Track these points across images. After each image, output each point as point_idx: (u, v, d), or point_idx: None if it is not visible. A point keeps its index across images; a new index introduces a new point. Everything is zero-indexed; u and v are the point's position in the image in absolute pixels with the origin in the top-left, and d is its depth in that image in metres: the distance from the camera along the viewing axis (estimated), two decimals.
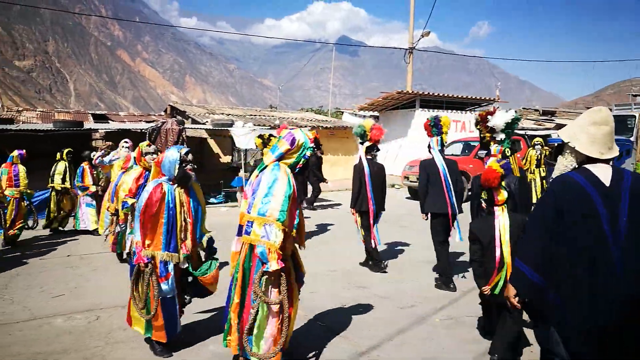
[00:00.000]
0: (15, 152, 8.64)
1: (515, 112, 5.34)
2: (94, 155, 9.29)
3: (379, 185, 6.85)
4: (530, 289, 2.54)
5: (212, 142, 17.93)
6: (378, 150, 7.01)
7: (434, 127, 6.10)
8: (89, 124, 15.32)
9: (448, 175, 5.98)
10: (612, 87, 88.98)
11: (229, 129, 14.61)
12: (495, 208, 3.86)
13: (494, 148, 5.18)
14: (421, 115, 18.74)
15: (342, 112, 25.01)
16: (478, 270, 3.99)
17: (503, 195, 3.84)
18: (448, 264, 6.11)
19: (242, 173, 13.96)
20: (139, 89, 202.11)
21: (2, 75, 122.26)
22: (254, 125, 15.38)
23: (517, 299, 2.62)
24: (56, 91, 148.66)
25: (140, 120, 17.83)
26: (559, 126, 21.35)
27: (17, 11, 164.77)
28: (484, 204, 4.02)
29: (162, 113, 21.58)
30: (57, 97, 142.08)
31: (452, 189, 5.96)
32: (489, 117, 5.33)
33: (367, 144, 6.92)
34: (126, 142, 8.04)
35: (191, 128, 15.05)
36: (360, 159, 6.95)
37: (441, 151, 6.15)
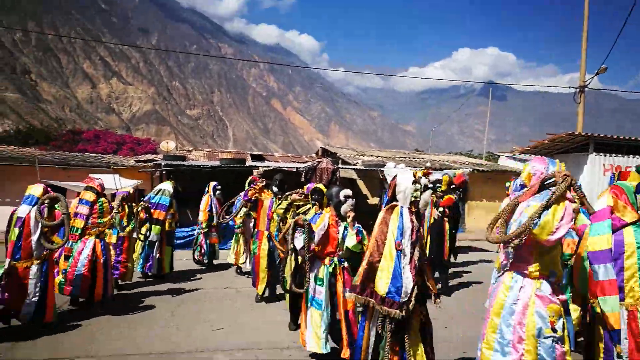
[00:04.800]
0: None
1: None
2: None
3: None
4: None
5: (361, 183, 17.77)
6: None
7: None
8: (249, 162, 16.13)
9: None
10: None
11: (380, 169, 14.24)
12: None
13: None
14: (595, 160, 16.50)
15: (498, 156, 23.37)
16: None
17: None
18: None
19: None
20: (289, 135, 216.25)
21: (176, 123, 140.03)
22: (406, 166, 14.82)
23: None
24: (217, 137, 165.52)
25: (293, 161, 18.37)
26: None
27: (191, 67, 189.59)
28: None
29: (314, 155, 22.14)
30: (218, 141, 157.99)
31: None
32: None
33: None
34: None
35: (344, 168, 14.99)
36: None
37: None
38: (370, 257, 3.53)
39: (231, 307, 6.78)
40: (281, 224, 5.88)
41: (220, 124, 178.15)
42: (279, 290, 7.01)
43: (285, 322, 5.71)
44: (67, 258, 6.44)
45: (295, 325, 5.55)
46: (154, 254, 8.34)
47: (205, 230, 9.63)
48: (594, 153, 16.69)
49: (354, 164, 16.07)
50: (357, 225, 4.93)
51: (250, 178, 7.70)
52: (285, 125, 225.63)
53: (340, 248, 4.75)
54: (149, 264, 8.36)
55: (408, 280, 3.35)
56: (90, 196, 6.64)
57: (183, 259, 10.07)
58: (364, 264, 3.55)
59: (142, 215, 7.64)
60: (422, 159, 19.81)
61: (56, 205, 5.56)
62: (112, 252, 7.26)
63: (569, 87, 17.80)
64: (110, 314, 6.15)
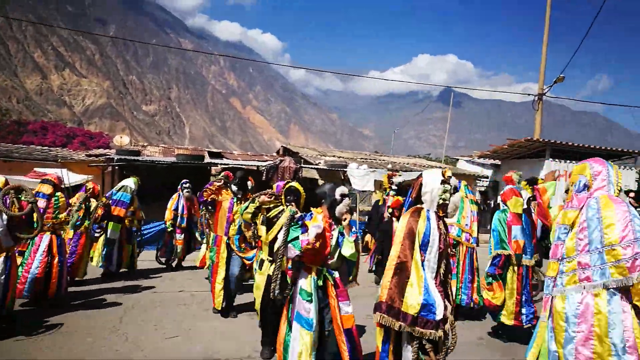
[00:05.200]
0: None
1: None
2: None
3: None
4: None
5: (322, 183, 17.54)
6: None
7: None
8: (207, 159, 15.58)
9: None
10: None
11: (344, 169, 14.07)
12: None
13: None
14: (551, 166, 16.87)
15: (456, 160, 23.68)
16: None
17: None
18: None
19: (355, 216, 13.22)
20: (248, 134, 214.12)
21: (131, 118, 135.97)
22: (369, 167, 14.68)
23: None
24: (173, 134, 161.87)
25: (253, 159, 17.92)
26: None
27: (149, 62, 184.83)
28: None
29: (274, 154, 21.74)
30: (174, 139, 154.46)
31: None
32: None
33: None
34: None
35: (307, 167, 14.68)
36: None
37: None
38: (398, 268, 3.05)
39: (186, 313, 6.33)
40: (250, 228, 4.99)
41: (177, 120, 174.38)
42: (241, 300, 6.60)
43: (245, 330, 5.32)
44: (21, 254, 6.04)
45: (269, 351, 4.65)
46: (114, 252, 8.04)
47: (170, 229, 9.13)
48: (550, 159, 17.10)
49: (317, 164, 15.81)
50: (354, 230, 4.23)
51: (223, 173, 7.06)
52: (244, 124, 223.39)
53: (331, 256, 3.99)
54: (109, 262, 8.00)
55: (438, 297, 2.98)
56: (47, 189, 6.27)
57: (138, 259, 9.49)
58: (390, 277, 3.06)
59: (100, 212, 7.24)
60: (383, 160, 19.79)
61: (21, 196, 5.26)
62: (67, 247, 6.95)
63: (528, 95, 18.17)
64: (54, 316, 5.66)
